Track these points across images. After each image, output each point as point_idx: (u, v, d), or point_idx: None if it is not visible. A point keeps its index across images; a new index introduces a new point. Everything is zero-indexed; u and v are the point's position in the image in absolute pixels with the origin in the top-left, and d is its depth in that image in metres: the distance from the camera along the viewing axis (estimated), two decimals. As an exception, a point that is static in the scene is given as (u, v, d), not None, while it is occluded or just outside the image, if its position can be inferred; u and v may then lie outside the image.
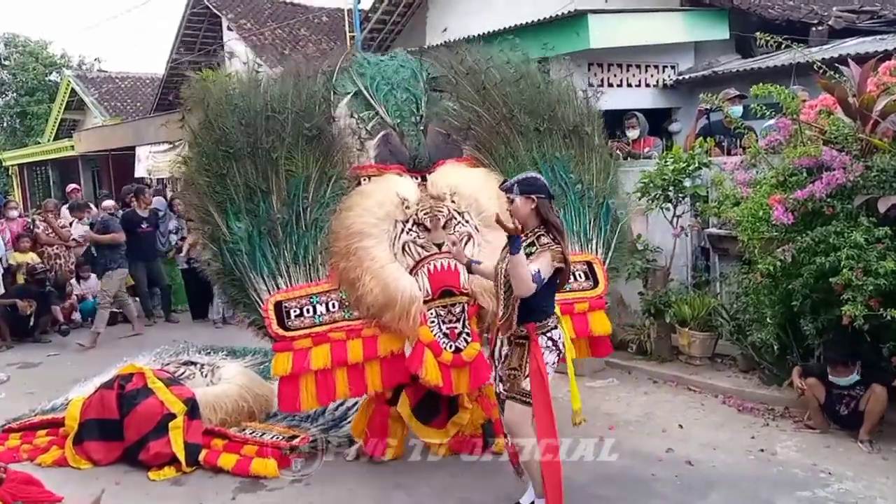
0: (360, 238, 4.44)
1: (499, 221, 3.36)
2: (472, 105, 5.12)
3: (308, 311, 4.39)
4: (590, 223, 5.11)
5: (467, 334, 4.35)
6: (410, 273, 4.42)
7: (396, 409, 4.60)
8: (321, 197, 4.58)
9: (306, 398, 4.32)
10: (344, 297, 4.45)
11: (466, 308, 4.41)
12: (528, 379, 3.67)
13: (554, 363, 3.81)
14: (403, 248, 4.52)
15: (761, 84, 5.35)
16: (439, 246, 4.45)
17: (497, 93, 5.16)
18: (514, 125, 5.10)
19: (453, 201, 4.66)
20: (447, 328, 4.36)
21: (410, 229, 4.56)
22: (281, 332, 4.30)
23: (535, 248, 3.65)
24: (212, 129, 4.62)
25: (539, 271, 3.54)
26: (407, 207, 4.56)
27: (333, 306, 4.43)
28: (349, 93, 5.05)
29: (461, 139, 5.15)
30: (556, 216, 3.79)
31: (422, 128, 5.14)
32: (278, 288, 4.39)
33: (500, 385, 3.83)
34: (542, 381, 3.66)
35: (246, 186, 4.50)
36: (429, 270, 4.42)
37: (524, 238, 3.58)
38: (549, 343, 3.76)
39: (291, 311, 4.36)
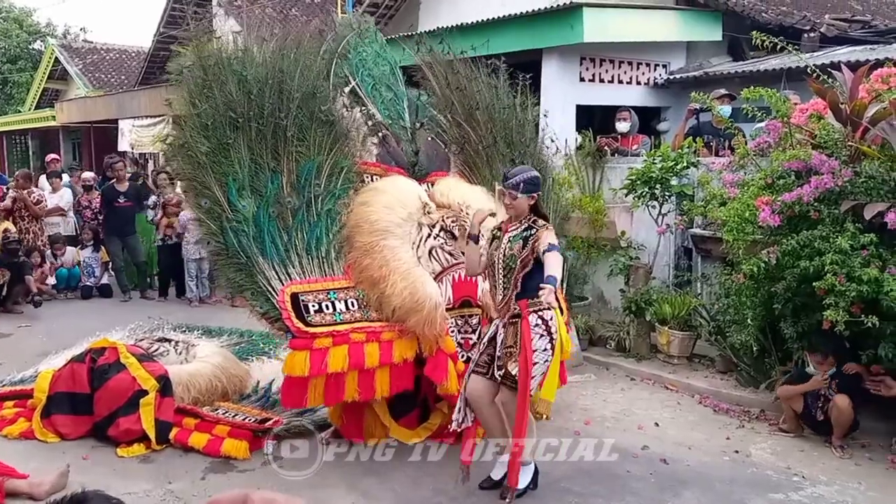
0: (384, 236, 4.35)
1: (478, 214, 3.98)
2: (464, 123, 5.23)
3: (327, 307, 4.21)
4: None
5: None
6: (434, 279, 4.40)
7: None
8: (333, 187, 4.47)
9: (313, 397, 4.14)
10: (361, 296, 4.32)
11: (481, 320, 4.42)
12: (516, 363, 3.76)
13: (546, 350, 3.80)
14: (430, 253, 4.50)
15: (753, 88, 5.35)
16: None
17: (484, 117, 5.30)
18: (497, 152, 5.31)
19: (467, 214, 4.67)
20: (462, 338, 4.38)
21: (438, 235, 4.57)
22: (302, 327, 4.09)
23: (532, 230, 3.90)
24: (211, 93, 4.46)
25: (551, 242, 3.78)
26: (429, 212, 4.57)
27: (352, 304, 4.29)
28: (347, 83, 5.04)
29: (454, 154, 5.22)
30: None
31: (412, 135, 5.23)
32: (291, 278, 4.21)
33: (497, 371, 3.90)
34: (526, 363, 3.73)
35: (252, 162, 4.35)
36: (453, 279, 4.48)
37: (520, 224, 3.95)
38: (540, 323, 3.81)
39: (310, 306, 4.17)
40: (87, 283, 9.70)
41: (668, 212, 6.73)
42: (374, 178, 4.84)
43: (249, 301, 4.30)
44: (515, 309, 3.87)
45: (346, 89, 5.02)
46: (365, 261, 4.33)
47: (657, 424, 5.20)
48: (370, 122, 5.06)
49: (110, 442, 4.64)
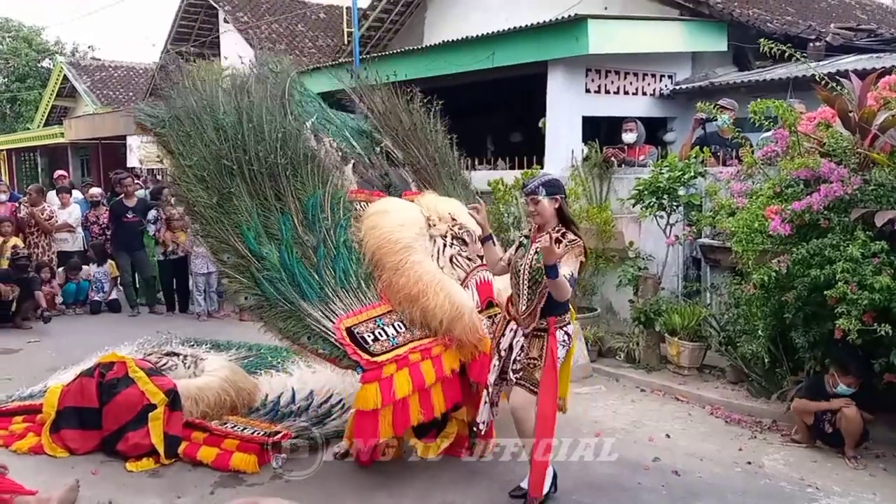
0: (409, 252, 4.36)
1: (548, 250, 3.55)
2: (410, 144, 5.45)
3: (380, 334, 4.15)
4: None
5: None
6: (461, 285, 4.47)
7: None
8: (338, 217, 4.46)
9: (384, 428, 3.95)
10: (404, 316, 4.28)
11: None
12: (541, 370, 3.86)
13: (562, 359, 3.97)
14: (451, 261, 4.55)
15: (760, 100, 5.34)
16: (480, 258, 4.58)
17: (421, 137, 5.55)
18: (437, 170, 5.54)
19: (458, 225, 4.84)
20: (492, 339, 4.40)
21: (452, 243, 4.63)
22: (369, 358, 3.99)
23: (559, 244, 3.82)
24: (195, 144, 4.53)
25: (572, 274, 3.77)
26: (434, 224, 4.62)
27: (400, 327, 4.25)
28: (310, 118, 5.21)
29: (409, 173, 5.47)
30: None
31: (369, 159, 5.42)
32: (337, 315, 4.13)
33: (513, 373, 3.96)
34: (554, 374, 3.87)
35: (259, 205, 4.33)
36: (477, 282, 4.55)
37: (548, 235, 3.88)
38: (564, 337, 3.97)
39: (366, 336, 4.10)
40: (96, 299, 9.72)
41: (676, 222, 6.70)
42: (363, 204, 4.86)
43: (310, 347, 4.16)
44: (542, 323, 3.91)
45: (308, 124, 5.06)
46: (399, 280, 4.29)
47: (668, 436, 5.16)
48: (339, 153, 5.15)
49: (119, 456, 4.63)
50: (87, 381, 4.89)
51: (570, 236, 3.89)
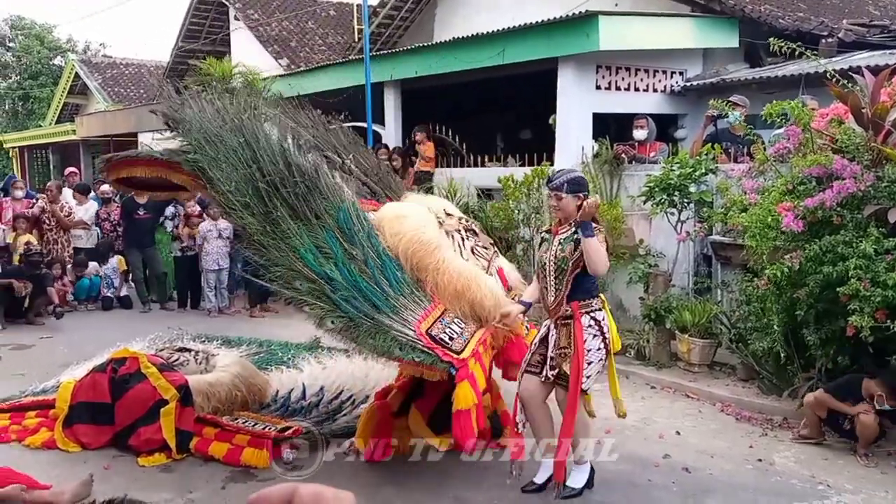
0: (440, 250, 4.36)
1: (582, 213, 3.86)
2: (345, 156, 5.36)
3: (451, 332, 4.09)
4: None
5: None
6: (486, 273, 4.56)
7: (405, 421, 4.56)
8: (367, 227, 4.38)
9: (475, 426, 3.87)
10: (455, 312, 4.27)
11: None
12: (570, 361, 3.95)
13: (599, 349, 3.99)
14: (473, 252, 4.60)
15: (775, 102, 5.31)
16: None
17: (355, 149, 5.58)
18: (380, 181, 5.53)
19: (463, 218, 4.98)
20: None
21: (467, 236, 4.67)
22: (457, 356, 3.91)
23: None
24: (231, 166, 4.50)
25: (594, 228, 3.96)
26: (443, 222, 4.64)
27: (460, 322, 4.21)
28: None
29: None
30: None
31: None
32: (411, 322, 4.03)
33: (550, 370, 4.04)
34: (579, 364, 3.91)
35: (305, 227, 4.23)
36: (499, 269, 4.68)
37: (570, 227, 4.03)
38: (593, 324, 4.01)
39: (443, 337, 4.03)
40: (108, 294, 9.78)
41: (687, 219, 6.69)
42: (370, 213, 4.77)
43: (405, 358, 3.93)
44: (567, 310, 4.01)
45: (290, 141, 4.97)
46: (443, 279, 4.26)
47: (678, 433, 5.15)
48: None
49: (131, 451, 4.66)
50: (100, 376, 4.93)
51: (592, 224, 3.98)
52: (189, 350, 5.76)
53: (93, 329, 8.36)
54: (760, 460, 4.69)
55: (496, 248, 5.00)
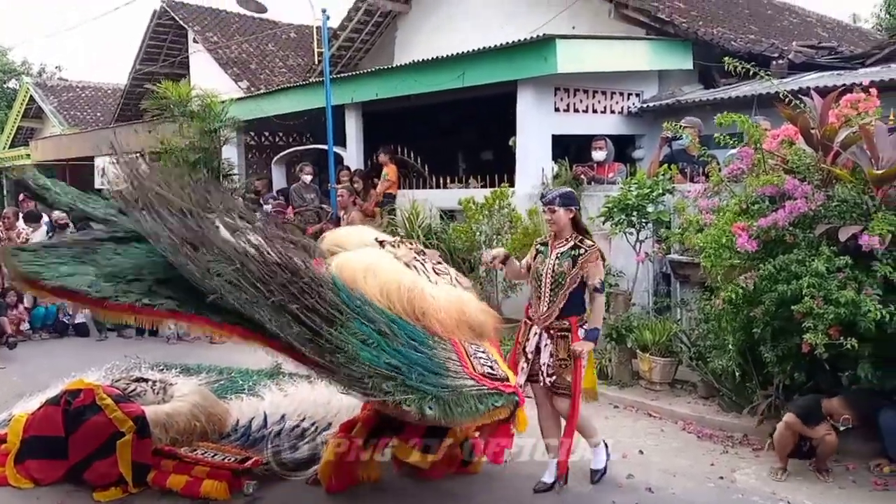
0: (420, 285, 4.21)
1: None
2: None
3: (485, 360, 3.90)
4: None
5: None
6: None
7: (372, 454, 4.42)
8: (360, 294, 4.04)
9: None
10: (469, 340, 4.13)
11: None
12: (570, 371, 4.32)
13: (586, 357, 4.36)
14: (436, 272, 4.58)
15: (725, 113, 5.42)
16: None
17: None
18: None
19: (405, 243, 4.95)
20: None
21: (422, 259, 4.64)
22: (513, 384, 3.85)
23: (580, 250, 4.38)
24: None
25: (602, 280, 4.43)
26: (396, 255, 4.54)
27: (477, 347, 4.07)
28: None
29: None
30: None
31: None
32: (458, 371, 3.74)
33: (548, 378, 4.41)
34: (579, 374, 4.31)
35: (341, 326, 3.73)
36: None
37: (566, 242, 4.43)
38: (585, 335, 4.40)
39: (486, 370, 3.84)
40: (62, 321, 9.56)
41: (646, 238, 6.77)
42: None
43: (490, 410, 3.67)
44: (565, 324, 4.37)
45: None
46: (443, 315, 4.09)
47: (641, 452, 5.17)
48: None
49: (86, 486, 4.54)
50: (53, 409, 4.79)
51: (588, 243, 4.43)
52: (146, 380, 5.63)
53: (48, 358, 8.14)
54: (722, 478, 4.74)
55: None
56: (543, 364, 4.42)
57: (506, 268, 4.72)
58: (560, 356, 4.37)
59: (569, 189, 4.58)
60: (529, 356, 4.48)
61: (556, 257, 4.40)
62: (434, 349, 3.87)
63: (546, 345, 4.42)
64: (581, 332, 4.37)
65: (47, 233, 10.17)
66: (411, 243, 4.89)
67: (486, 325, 4.28)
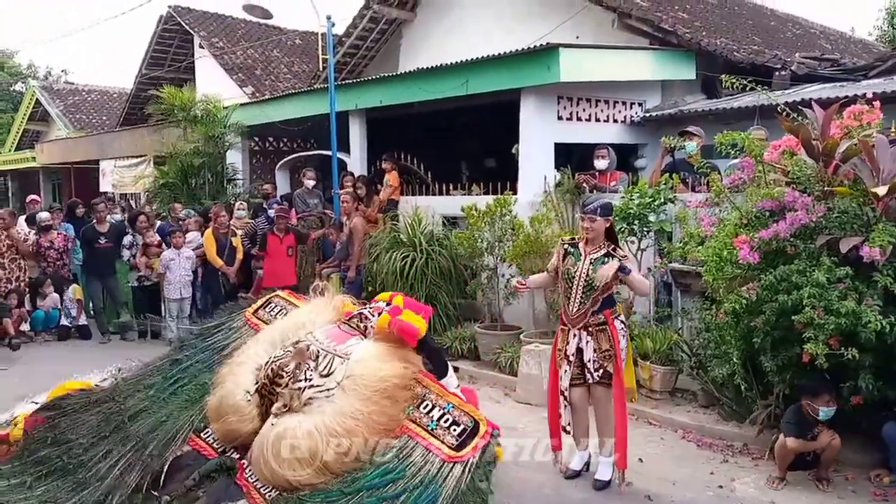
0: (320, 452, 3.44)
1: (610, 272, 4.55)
2: None
3: (441, 417, 3.51)
4: None
5: None
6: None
7: None
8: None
9: None
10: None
11: None
12: (613, 361, 4.60)
13: (624, 348, 4.67)
14: (342, 338, 3.96)
15: (726, 132, 5.44)
16: None
17: None
18: None
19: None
20: None
21: (328, 325, 4.09)
22: (480, 420, 3.50)
23: (611, 258, 4.61)
24: None
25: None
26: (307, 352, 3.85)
27: (424, 404, 3.61)
28: None
29: None
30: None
31: None
32: (439, 455, 3.35)
33: (595, 372, 4.64)
34: (620, 365, 4.60)
35: None
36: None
37: (600, 248, 4.67)
38: (622, 327, 4.72)
39: (446, 425, 3.47)
40: (65, 324, 9.59)
41: (647, 247, 6.79)
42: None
43: (484, 481, 3.33)
44: (601, 318, 4.63)
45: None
46: (394, 396, 3.59)
47: (641, 460, 5.18)
48: None
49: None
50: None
51: (621, 253, 4.68)
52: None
53: (50, 361, 8.17)
54: (721, 487, 4.75)
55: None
56: (588, 361, 4.65)
57: (530, 284, 5.04)
58: (603, 348, 4.63)
59: (608, 200, 4.82)
60: (571, 358, 4.70)
61: (591, 262, 4.64)
62: (404, 474, 3.30)
63: (587, 342, 4.65)
64: (617, 323, 4.65)
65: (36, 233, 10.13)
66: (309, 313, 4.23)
67: (409, 374, 3.64)
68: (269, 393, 3.63)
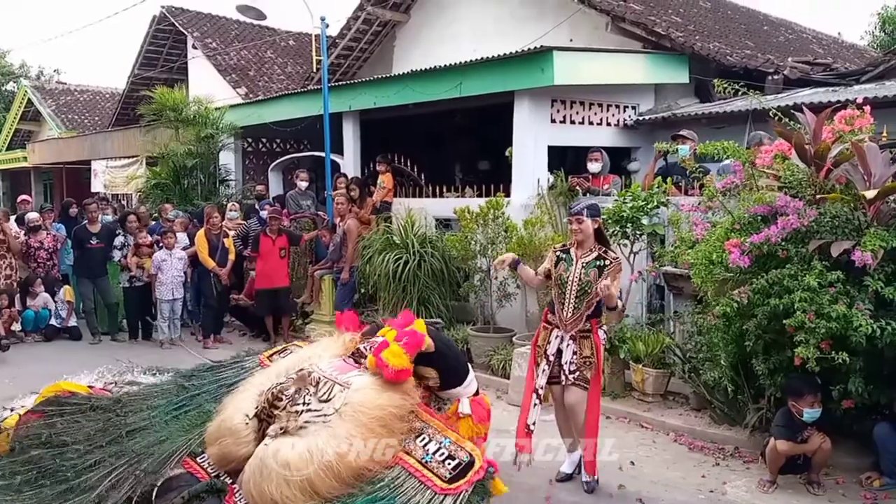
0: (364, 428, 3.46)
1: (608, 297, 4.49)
2: None
3: (437, 451, 3.42)
4: None
5: None
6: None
7: None
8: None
9: None
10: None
11: None
12: (593, 368, 4.65)
13: (607, 359, 4.75)
14: (344, 369, 3.82)
15: (708, 143, 5.46)
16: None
17: None
18: None
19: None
20: None
21: (289, 376, 3.87)
22: (474, 454, 3.38)
23: (605, 261, 4.64)
24: None
25: (621, 292, 4.99)
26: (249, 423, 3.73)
27: (421, 437, 3.52)
28: None
29: None
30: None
31: None
32: (434, 488, 3.26)
33: (570, 374, 4.66)
34: (600, 372, 4.70)
35: None
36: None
37: (591, 252, 4.68)
38: (604, 336, 4.87)
39: (444, 460, 3.35)
40: (53, 324, 9.54)
41: (640, 250, 6.80)
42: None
43: None
44: (587, 325, 4.66)
45: None
46: (391, 427, 3.50)
47: (633, 463, 5.19)
48: None
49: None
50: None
51: (612, 254, 4.71)
52: (139, 384, 5.62)
53: (39, 361, 8.13)
54: (713, 490, 4.76)
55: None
56: (566, 363, 4.68)
57: (519, 272, 4.92)
58: (584, 354, 4.67)
59: (595, 201, 4.82)
60: (550, 358, 4.73)
61: (583, 266, 4.66)
62: (394, 495, 3.24)
63: (568, 345, 4.69)
64: (600, 333, 4.74)
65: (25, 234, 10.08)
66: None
67: (407, 403, 3.56)
68: (268, 416, 3.60)
